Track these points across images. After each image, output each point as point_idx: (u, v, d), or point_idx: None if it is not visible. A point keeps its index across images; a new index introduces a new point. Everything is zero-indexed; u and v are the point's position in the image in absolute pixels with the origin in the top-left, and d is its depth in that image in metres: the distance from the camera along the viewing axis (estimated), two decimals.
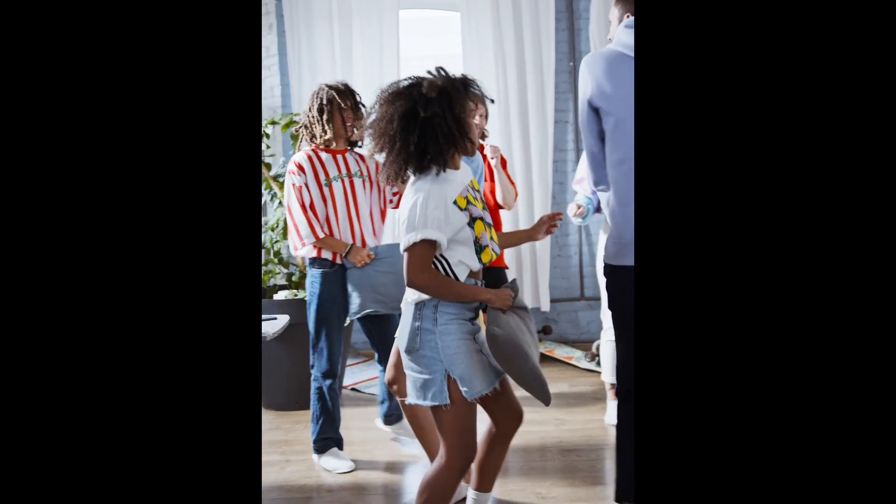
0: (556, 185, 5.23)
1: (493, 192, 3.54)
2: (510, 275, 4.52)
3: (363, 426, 3.83)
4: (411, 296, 2.13)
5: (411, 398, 2.13)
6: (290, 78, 5.30)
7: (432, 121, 2.02)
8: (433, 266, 2.07)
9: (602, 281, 2.85)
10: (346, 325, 3.37)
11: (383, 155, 2.12)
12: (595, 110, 2.20)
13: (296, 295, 4.10)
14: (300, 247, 3.23)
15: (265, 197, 4.50)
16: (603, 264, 2.33)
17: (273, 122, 4.37)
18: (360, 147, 3.32)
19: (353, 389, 4.53)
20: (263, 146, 4.64)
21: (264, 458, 2.86)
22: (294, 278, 4.41)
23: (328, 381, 3.28)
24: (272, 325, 2.87)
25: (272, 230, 4.37)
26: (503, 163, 3.56)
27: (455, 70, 2.14)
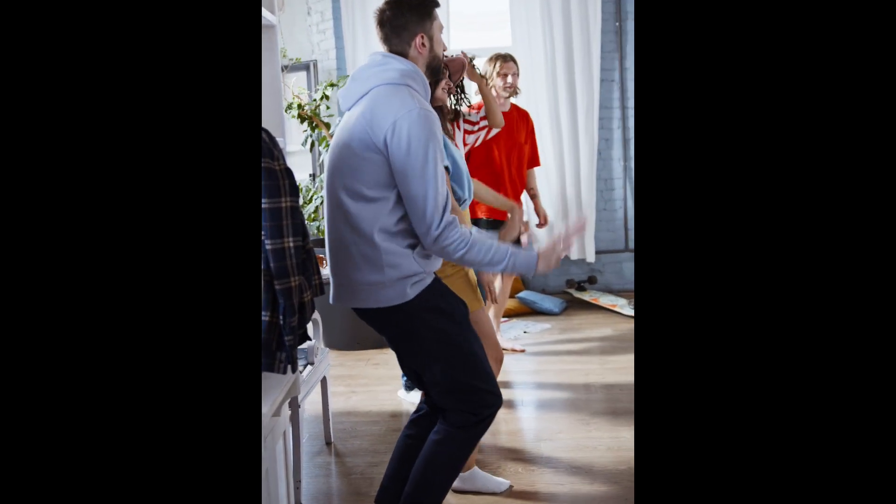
0: (601, 141, 5.42)
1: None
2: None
3: None
4: None
5: None
6: (345, 42, 5.57)
7: None
8: None
9: None
10: None
11: None
12: None
13: None
14: None
15: (322, 151, 4.78)
16: None
17: (332, 85, 4.64)
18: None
19: None
20: (323, 107, 4.92)
21: (331, 389, 3.17)
22: None
23: None
24: None
25: None
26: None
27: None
